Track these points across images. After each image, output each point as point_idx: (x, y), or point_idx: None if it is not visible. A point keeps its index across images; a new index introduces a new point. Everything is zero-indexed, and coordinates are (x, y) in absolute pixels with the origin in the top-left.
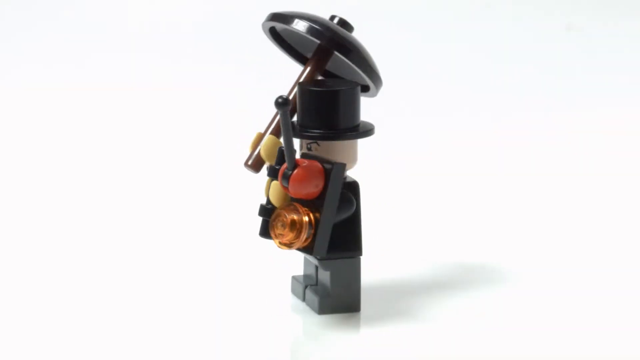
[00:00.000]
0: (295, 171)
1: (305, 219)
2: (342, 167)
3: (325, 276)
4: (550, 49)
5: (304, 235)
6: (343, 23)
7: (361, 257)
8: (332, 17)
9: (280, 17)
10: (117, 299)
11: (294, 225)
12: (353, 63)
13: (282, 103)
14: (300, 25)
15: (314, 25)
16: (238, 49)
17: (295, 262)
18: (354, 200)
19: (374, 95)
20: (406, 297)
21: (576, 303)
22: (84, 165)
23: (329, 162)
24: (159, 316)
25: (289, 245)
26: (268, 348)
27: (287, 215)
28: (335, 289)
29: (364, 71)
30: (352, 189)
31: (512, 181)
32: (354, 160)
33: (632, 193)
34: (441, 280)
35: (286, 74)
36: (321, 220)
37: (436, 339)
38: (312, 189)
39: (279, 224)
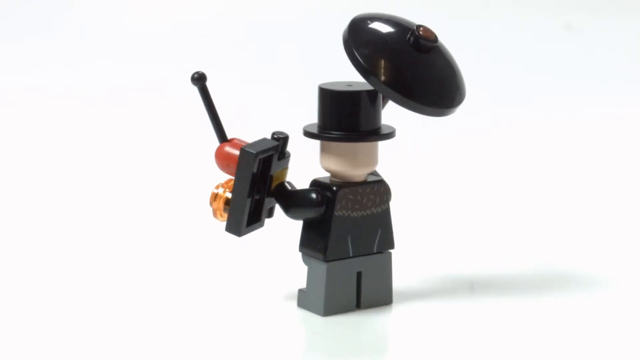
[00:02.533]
0: (218, 146)
1: (220, 192)
2: (248, 155)
3: None
4: (550, 49)
5: (215, 208)
6: (416, 41)
7: (326, 263)
8: (416, 29)
9: (345, 35)
10: (119, 304)
11: (213, 198)
12: (397, 103)
13: (197, 78)
14: (349, 56)
15: (359, 59)
16: (238, 50)
17: (294, 261)
18: (320, 204)
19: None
20: (403, 303)
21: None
22: (87, 167)
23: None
24: (159, 317)
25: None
26: (264, 347)
27: (214, 188)
28: (308, 286)
29: (409, 109)
30: (332, 193)
31: (511, 182)
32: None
33: (632, 193)
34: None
35: (287, 75)
36: (230, 201)
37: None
38: (225, 168)
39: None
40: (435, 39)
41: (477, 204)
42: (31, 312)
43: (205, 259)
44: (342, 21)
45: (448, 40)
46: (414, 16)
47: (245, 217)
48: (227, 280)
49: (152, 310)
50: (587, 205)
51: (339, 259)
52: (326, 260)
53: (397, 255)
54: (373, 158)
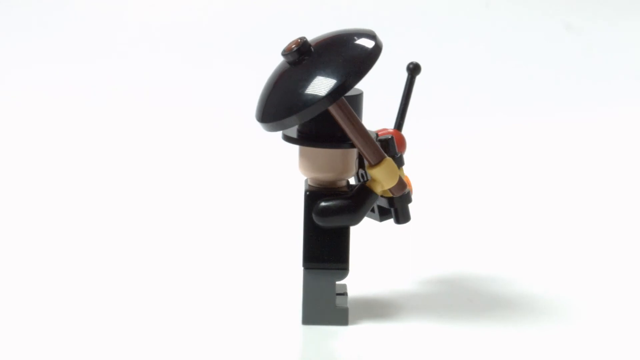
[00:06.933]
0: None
1: None
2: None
3: None
4: (550, 49)
5: None
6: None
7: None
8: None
9: None
10: (117, 306)
11: None
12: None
13: (412, 68)
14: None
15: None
16: (237, 48)
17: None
18: None
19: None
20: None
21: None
22: (89, 165)
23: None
24: (161, 318)
25: None
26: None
27: None
28: None
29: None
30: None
31: (510, 183)
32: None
33: (632, 193)
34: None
35: None
36: None
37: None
38: None
39: None
40: (291, 49)
41: (475, 205)
42: (31, 312)
43: (209, 259)
44: (339, 20)
45: (447, 40)
46: (415, 15)
47: None
48: (243, 283)
49: (150, 311)
50: (586, 207)
51: None
52: None
53: (391, 263)
54: (335, 164)
